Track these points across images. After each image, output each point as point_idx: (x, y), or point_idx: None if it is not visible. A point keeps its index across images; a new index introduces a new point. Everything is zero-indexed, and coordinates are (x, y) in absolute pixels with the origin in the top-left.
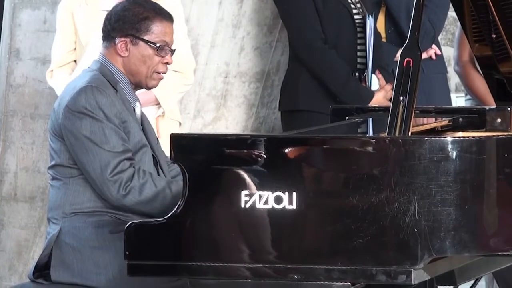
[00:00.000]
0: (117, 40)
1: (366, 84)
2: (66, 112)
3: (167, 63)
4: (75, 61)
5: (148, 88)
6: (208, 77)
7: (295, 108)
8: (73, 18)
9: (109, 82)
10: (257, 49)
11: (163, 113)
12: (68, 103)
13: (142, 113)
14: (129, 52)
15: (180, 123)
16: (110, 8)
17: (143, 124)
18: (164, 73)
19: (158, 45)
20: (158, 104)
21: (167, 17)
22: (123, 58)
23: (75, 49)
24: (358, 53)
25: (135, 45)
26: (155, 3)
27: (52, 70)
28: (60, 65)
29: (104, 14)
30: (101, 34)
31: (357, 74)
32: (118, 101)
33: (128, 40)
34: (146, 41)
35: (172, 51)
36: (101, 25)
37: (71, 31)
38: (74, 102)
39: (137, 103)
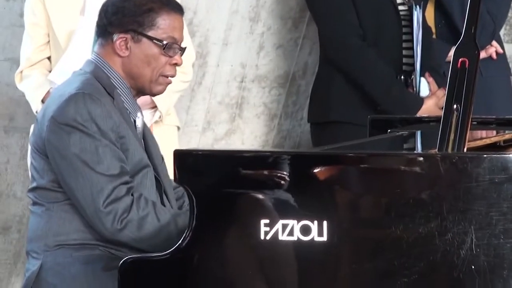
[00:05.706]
0: (115, 37)
1: (413, 90)
2: (51, 124)
3: (176, 64)
4: (48, 58)
5: (153, 95)
6: (220, 81)
7: (327, 120)
8: (45, 5)
9: (105, 88)
10: (280, 47)
11: (160, 117)
12: (54, 114)
13: (144, 126)
14: (130, 52)
15: (178, 128)
16: None
17: (146, 139)
18: (173, 76)
19: (165, 42)
20: (154, 107)
21: (176, 9)
22: (123, 59)
23: (48, 43)
24: (404, 52)
25: (137, 42)
26: None
27: (21, 72)
28: (30, 64)
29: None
30: (84, 24)
31: (402, 77)
32: (115, 111)
33: (128, 36)
34: (151, 38)
35: (182, 50)
36: (78, 14)
37: (43, 21)
38: (62, 113)
39: (138, 114)
